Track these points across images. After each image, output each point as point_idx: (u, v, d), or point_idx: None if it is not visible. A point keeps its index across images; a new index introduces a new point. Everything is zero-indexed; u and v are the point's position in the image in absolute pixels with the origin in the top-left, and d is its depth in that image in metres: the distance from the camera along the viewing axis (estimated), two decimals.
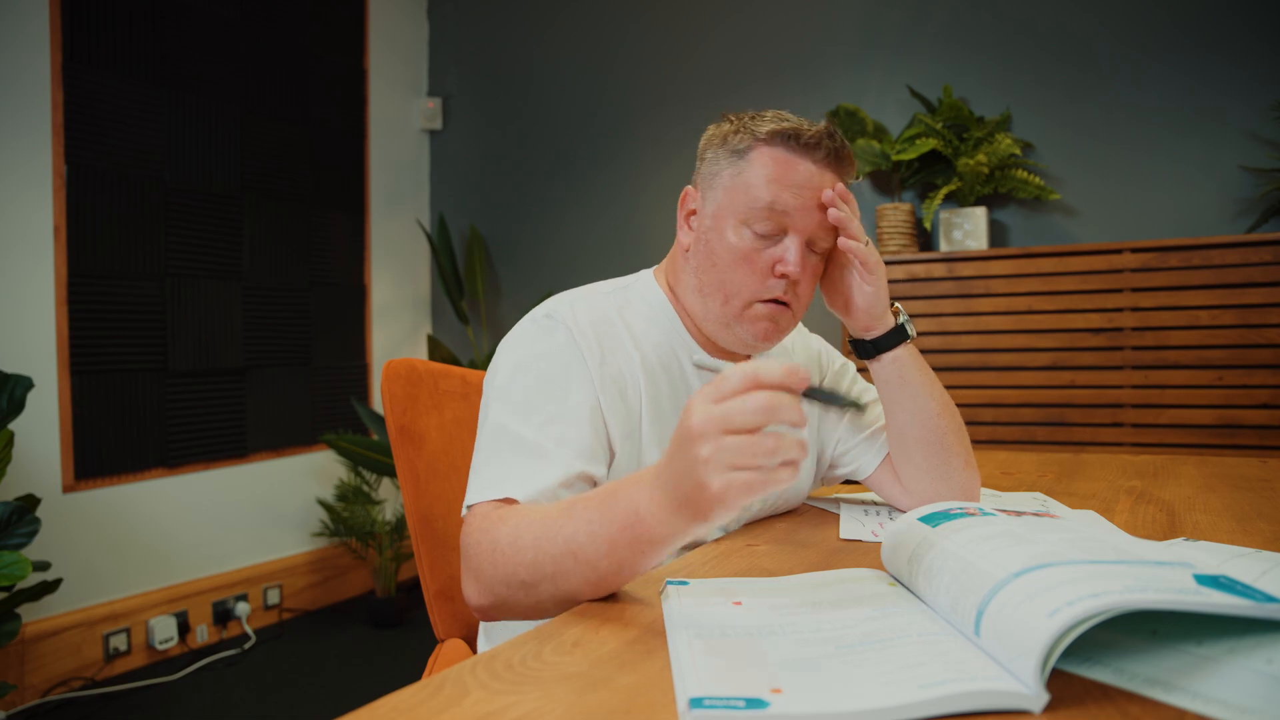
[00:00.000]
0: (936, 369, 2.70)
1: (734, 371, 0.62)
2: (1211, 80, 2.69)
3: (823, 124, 1.00)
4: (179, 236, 3.00)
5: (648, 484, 0.70)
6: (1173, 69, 2.73)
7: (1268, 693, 0.53)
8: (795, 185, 0.97)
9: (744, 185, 0.98)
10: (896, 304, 1.11)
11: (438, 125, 3.99)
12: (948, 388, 2.67)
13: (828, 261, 1.07)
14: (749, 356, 1.14)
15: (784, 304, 1.00)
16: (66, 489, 2.67)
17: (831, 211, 0.99)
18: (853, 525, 1.09)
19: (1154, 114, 2.75)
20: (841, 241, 1.02)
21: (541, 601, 0.79)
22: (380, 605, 3.22)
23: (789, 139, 0.97)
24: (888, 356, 1.08)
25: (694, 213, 1.05)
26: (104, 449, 2.78)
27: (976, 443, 2.63)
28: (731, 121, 1.03)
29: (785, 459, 0.61)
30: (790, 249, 0.97)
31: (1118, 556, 0.65)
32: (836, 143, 0.99)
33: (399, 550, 3.35)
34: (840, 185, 0.99)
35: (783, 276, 0.98)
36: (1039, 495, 1.27)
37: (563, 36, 3.76)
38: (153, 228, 2.92)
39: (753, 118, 1.01)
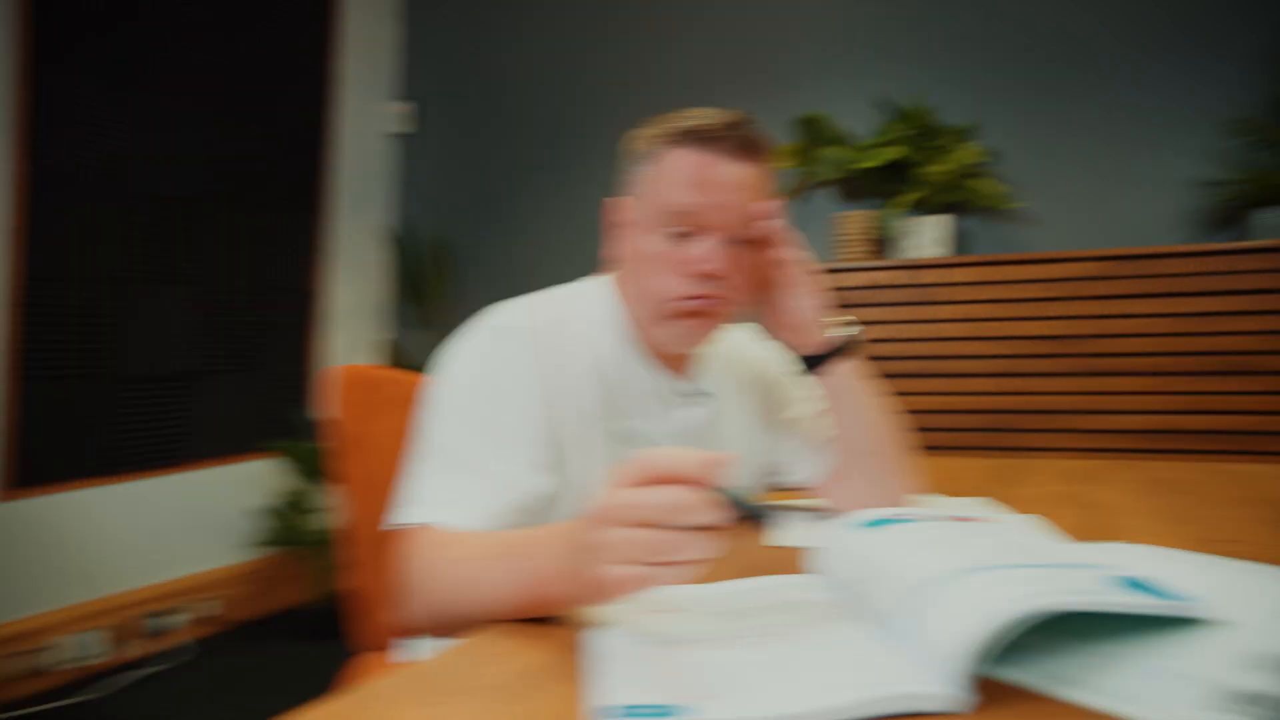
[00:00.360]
0: (895, 376, 2.73)
1: (649, 458, 0.60)
2: (1170, 95, 2.73)
3: (732, 113, 0.97)
4: (137, 239, 2.95)
5: (557, 547, 0.69)
6: (1134, 84, 2.77)
7: (1162, 684, 0.55)
8: (701, 183, 0.95)
9: (655, 191, 0.98)
10: (838, 312, 1.09)
11: (406, 129, 3.97)
12: (907, 395, 2.70)
13: (764, 285, 1.05)
14: (681, 357, 1.08)
15: (711, 299, 0.97)
16: (1, 499, 2.59)
17: (766, 224, 0.99)
18: (785, 531, 1.07)
19: (1116, 126, 2.79)
20: (779, 254, 1.02)
21: (472, 628, 0.81)
22: (317, 616, 3.14)
23: (691, 136, 0.95)
24: (834, 368, 1.08)
25: (623, 221, 1.04)
26: (44, 457, 2.69)
27: (930, 448, 2.65)
28: (647, 126, 1.01)
29: (684, 559, 0.59)
30: (705, 246, 0.96)
31: (1041, 561, 0.66)
32: (743, 130, 0.96)
33: (337, 561, 3.28)
34: (771, 202, 0.99)
35: (700, 275, 0.96)
36: (985, 500, 1.27)
37: (534, 42, 3.75)
38: (111, 230, 2.87)
39: (665, 119, 1.00)
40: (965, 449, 2.67)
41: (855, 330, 1.09)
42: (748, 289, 1.02)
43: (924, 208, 2.91)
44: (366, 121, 3.88)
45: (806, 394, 1.22)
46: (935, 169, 2.82)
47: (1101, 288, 2.53)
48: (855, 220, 2.95)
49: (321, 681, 2.79)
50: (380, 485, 1.19)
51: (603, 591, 0.63)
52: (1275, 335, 2.41)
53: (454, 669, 0.64)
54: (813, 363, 1.08)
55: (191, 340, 3.15)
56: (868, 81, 3.13)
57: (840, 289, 2.76)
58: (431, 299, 3.82)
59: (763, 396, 1.20)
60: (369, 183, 3.91)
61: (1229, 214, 2.65)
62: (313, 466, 3.20)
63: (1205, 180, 2.69)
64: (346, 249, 3.80)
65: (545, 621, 0.74)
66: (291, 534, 3.23)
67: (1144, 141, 2.77)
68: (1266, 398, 2.43)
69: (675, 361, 1.08)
